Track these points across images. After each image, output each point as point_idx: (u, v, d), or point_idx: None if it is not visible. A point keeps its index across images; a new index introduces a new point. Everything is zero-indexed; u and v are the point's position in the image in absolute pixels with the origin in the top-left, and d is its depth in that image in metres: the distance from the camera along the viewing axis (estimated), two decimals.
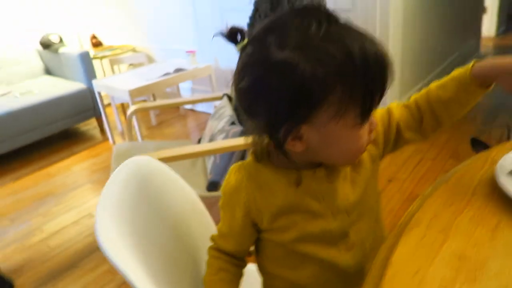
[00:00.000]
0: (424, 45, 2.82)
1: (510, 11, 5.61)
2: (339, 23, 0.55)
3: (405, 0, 2.42)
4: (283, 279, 0.73)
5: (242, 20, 1.57)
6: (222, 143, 1.49)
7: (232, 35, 0.62)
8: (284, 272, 0.72)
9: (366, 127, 0.60)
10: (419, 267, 0.52)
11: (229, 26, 0.63)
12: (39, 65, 3.41)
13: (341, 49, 0.52)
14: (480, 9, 4.25)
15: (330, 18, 0.55)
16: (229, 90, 2.39)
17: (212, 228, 0.85)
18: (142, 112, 3.52)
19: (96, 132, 3.35)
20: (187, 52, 2.95)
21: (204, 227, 0.84)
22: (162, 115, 3.53)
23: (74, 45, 3.67)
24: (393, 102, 0.78)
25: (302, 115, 0.55)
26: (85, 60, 3.06)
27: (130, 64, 3.49)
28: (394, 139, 0.75)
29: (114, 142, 3.03)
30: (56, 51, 3.21)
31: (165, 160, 1.38)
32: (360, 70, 0.53)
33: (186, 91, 3.52)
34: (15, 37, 3.33)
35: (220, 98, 2.23)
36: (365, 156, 0.72)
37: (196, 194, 0.84)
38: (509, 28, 5.28)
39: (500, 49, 4.57)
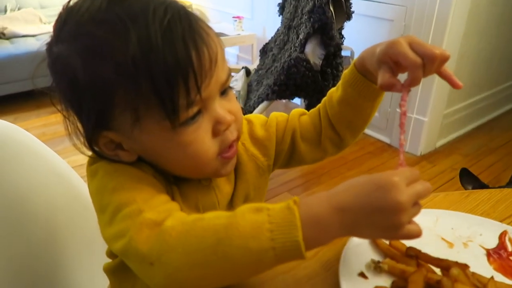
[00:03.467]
0: (493, 50, 2.38)
1: None
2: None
3: None
4: None
5: None
6: None
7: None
8: None
9: (204, 129, 0.46)
10: None
11: None
12: None
13: (114, 34, 0.40)
14: None
15: None
16: (254, 64, 2.27)
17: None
18: None
19: None
20: (233, 17, 2.88)
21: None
22: None
23: None
24: (297, 109, 0.64)
25: (96, 119, 0.44)
26: None
27: None
28: (288, 150, 0.62)
29: None
30: None
31: None
32: (139, 58, 0.40)
33: (231, 56, 3.43)
34: None
35: (238, 70, 2.12)
36: (250, 167, 0.60)
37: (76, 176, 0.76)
38: None
39: None
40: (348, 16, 1.56)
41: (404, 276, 0.43)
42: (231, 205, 0.59)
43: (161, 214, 0.42)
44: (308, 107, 1.74)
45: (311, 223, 0.37)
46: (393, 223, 0.37)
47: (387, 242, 0.48)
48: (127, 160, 0.48)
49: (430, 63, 0.44)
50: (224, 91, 0.48)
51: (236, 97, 1.37)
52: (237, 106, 0.51)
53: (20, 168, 0.68)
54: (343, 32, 1.64)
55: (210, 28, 0.46)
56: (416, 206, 0.39)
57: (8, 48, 2.73)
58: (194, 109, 0.44)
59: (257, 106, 1.69)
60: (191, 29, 0.42)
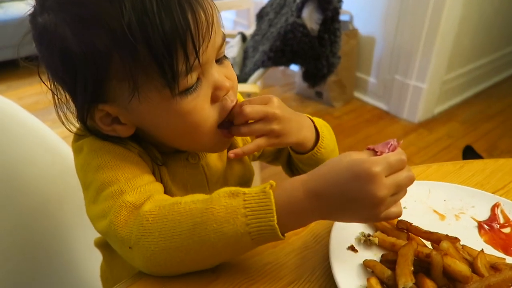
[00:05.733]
0: (495, 13, 2.31)
1: None
2: None
3: None
4: None
5: None
6: None
7: None
8: None
9: (203, 96, 0.45)
10: None
11: None
12: None
13: (106, 0, 0.38)
14: None
15: None
16: (250, 29, 2.20)
17: None
18: None
19: None
20: None
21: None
22: None
23: None
24: None
25: (91, 91, 0.43)
26: None
27: None
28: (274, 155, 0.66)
29: None
30: None
31: None
32: (134, 25, 0.38)
33: (227, 22, 3.33)
34: None
35: (234, 36, 2.06)
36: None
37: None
38: None
39: None
40: None
41: (394, 249, 0.43)
42: (225, 183, 0.60)
43: (141, 195, 0.42)
44: (305, 74, 1.70)
45: (286, 207, 0.38)
46: (369, 214, 0.38)
47: None
48: (124, 135, 0.47)
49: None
50: (220, 60, 0.47)
51: (232, 64, 1.33)
52: (233, 72, 0.50)
53: (7, 139, 0.66)
54: None
55: None
56: (398, 193, 0.38)
57: None
58: (194, 77, 0.43)
59: (253, 73, 1.65)
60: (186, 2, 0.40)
